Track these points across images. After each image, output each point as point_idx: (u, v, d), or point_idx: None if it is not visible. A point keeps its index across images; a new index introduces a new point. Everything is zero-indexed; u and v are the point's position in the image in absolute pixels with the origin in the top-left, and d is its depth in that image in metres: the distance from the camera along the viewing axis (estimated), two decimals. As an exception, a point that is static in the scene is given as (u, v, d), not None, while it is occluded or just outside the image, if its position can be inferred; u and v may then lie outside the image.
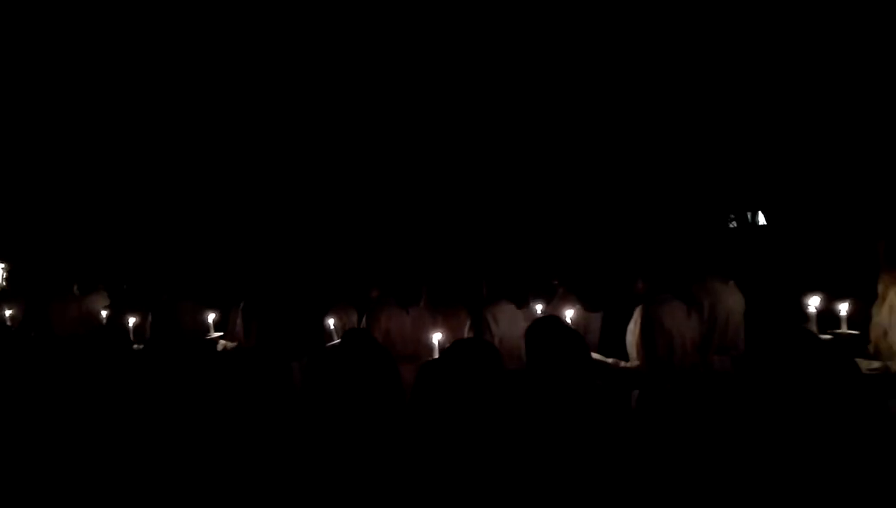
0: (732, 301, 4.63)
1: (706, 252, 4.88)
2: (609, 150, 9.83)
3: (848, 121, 8.57)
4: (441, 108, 9.96)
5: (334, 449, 2.28)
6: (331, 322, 4.85)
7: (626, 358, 4.40)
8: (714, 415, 2.12)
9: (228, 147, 10.35)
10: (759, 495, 1.83)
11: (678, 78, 9.47)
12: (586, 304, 5.28)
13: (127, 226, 9.99)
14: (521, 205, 9.82)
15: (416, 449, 2.16)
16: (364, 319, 5.13)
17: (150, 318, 5.45)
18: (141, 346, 4.86)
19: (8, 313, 5.83)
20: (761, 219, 10.30)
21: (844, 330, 3.46)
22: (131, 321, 5.06)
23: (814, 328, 3.39)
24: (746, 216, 10.38)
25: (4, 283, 7.24)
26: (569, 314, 4.62)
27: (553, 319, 2.95)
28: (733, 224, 10.48)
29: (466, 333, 4.63)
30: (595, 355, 3.98)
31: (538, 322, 2.92)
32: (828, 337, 3.38)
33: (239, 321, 4.98)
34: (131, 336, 4.76)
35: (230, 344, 4.87)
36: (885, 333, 3.34)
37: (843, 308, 3.46)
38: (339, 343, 2.80)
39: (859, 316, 3.51)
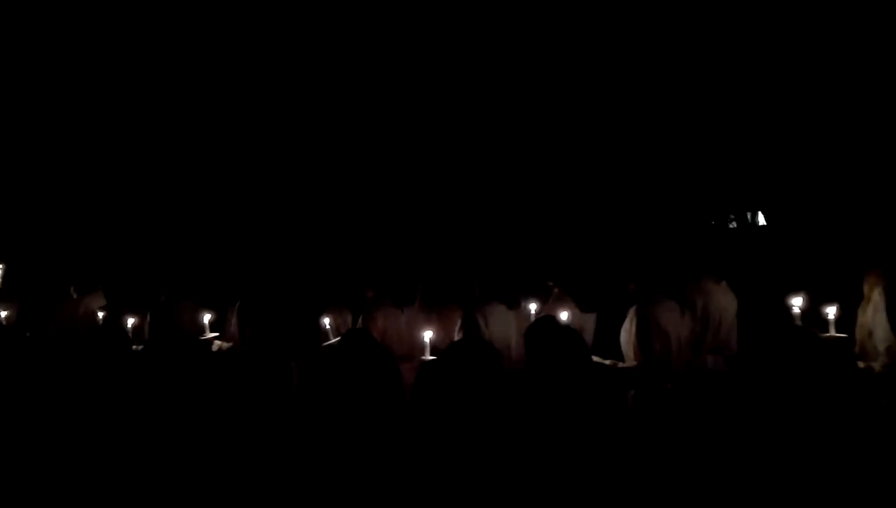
0: (725, 301, 4.72)
1: (699, 252, 4.97)
2: (605, 151, 9.89)
3: (848, 121, 8.65)
4: (435, 110, 10.00)
5: (335, 448, 2.35)
6: (326, 321, 4.94)
7: (621, 359, 4.48)
8: (714, 415, 2.22)
9: (224, 149, 10.41)
10: (759, 494, 1.88)
11: (675, 78, 9.53)
12: (581, 305, 5.36)
13: (124, 226, 10.05)
14: (515, 206, 9.88)
15: (416, 448, 2.22)
16: (360, 319, 5.22)
17: (148, 319, 5.54)
18: (140, 347, 4.98)
19: (3, 314, 5.90)
20: (761, 220, 10.37)
21: (832, 333, 3.52)
22: (130, 322, 5.14)
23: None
24: (746, 216, 10.45)
25: (0, 283, 7.29)
26: (563, 315, 4.70)
27: (553, 320, 2.98)
28: (733, 224, 10.56)
29: (457, 333, 4.72)
30: (594, 357, 4.05)
31: (538, 322, 2.95)
32: None
33: (234, 321, 5.07)
34: (130, 336, 4.84)
35: (225, 345, 4.96)
36: (871, 334, 3.43)
37: (832, 311, 3.52)
38: (340, 342, 2.85)
39: (847, 319, 3.60)
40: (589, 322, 5.36)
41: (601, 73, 9.66)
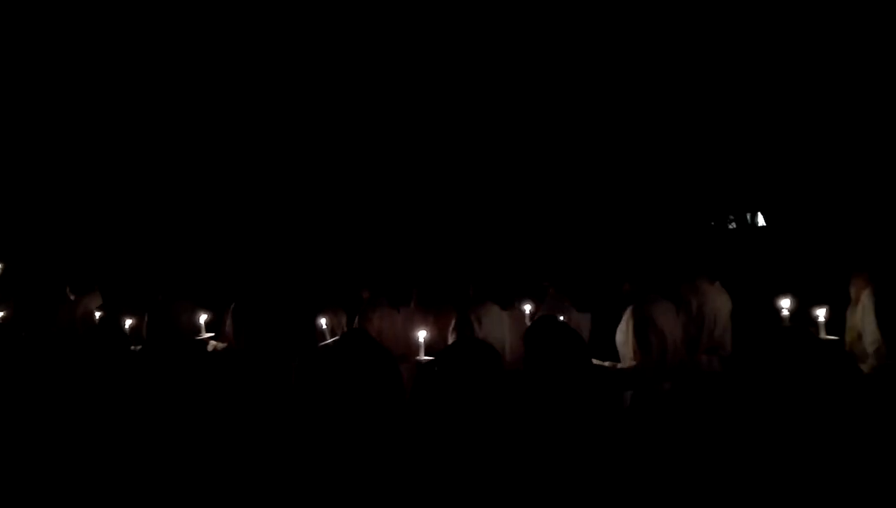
0: (719, 301, 4.77)
1: (694, 252, 5.02)
2: (602, 151, 9.93)
3: (847, 122, 8.69)
4: (430, 112, 10.04)
5: (336, 448, 2.38)
6: (323, 322, 4.98)
7: (617, 360, 4.53)
8: (712, 416, 2.21)
9: (221, 151, 10.45)
10: (759, 494, 1.90)
11: (671, 79, 9.58)
12: (576, 305, 5.41)
13: (121, 227, 10.10)
14: (511, 206, 9.92)
15: (416, 448, 2.25)
16: (356, 320, 5.27)
17: (146, 319, 5.58)
18: (139, 348, 5.04)
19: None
20: (760, 221, 10.42)
21: (822, 335, 3.55)
22: (128, 322, 5.19)
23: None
24: (746, 217, 10.50)
25: None
26: (559, 316, 4.74)
27: (556, 320, 2.97)
28: (733, 225, 10.61)
29: (451, 333, 4.75)
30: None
31: (540, 322, 2.94)
32: None
33: (229, 322, 5.12)
34: (129, 337, 4.89)
35: (220, 345, 5.00)
36: (860, 336, 3.49)
37: (822, 313, 3.57)
38: (340, 342, 2.87)
39: (838, 321, 3.65)
40: (584, 322, 5.40)
41: (598, 73, 9.70)
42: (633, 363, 4.34)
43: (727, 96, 9.48)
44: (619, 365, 4.43)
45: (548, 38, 9.59)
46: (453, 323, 4.82)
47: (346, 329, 5.39)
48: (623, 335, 4.44)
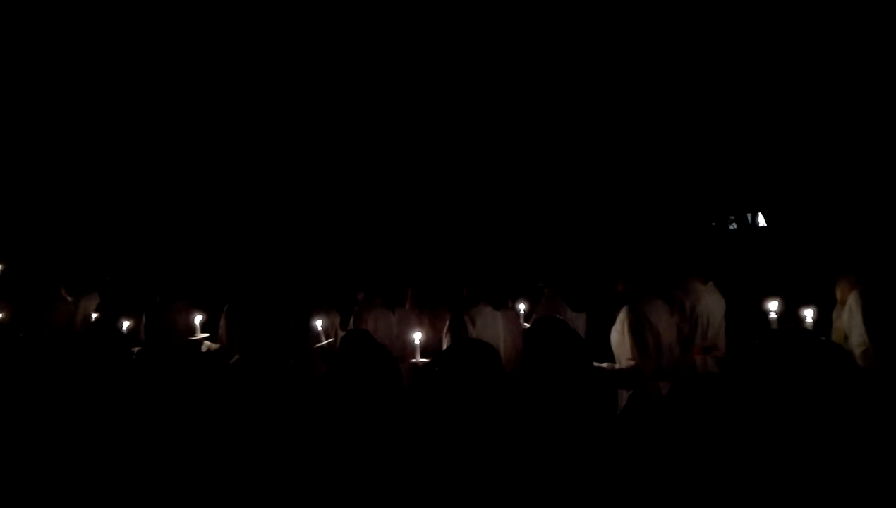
0: (713, 301, 4.82)
1: (690, 253, 5.06)
2: (596, 152, 9.97)
3: (847, 122, 8.73)
4: (425, 112, 10.07)
5: (337, 449, 2.42)
6: (318, 323, 5.05)
7: (612, 360, 4.58)
8: (709, 416, 2.17)
9: (216, 153, 10.52)
10: (760, 495, 1.89)
11: (666, 79, 9.62)
12: (571, 305, 5.47)
13: (118, 228, 10.17)
14: (505, 207, 9.96)
15: (417, 449, 2.27)
16: (351, 321, 5.33)
17: (143, 321, 5.65)
18: (137, 349, 5.12)
19: (-2, 315, 6.03)
20: (761, 221, 10.46)
21: None
22: (125, 324, 5.26)
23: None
24: (747, 217, 10.54)
25: None
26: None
27: (558, 320, 2.97)
28: (733, 225, 10.66)
29: (445, 334, 4.79)
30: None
31: (540, 323, 2.94)
32: None
33: (223, 323, 5.19)
34: (127, 339, 4.97)
35: (214, 346, 5.07)
36: (846, 338, 3.55)
37: (809, 314, 3.63)
38: (342, 343, 2.92)
39: (825, 322, 3.71)
40: (579, 322, 5.46)
41: (596, 73, 9.74)
42: (630, 363, 4.38)
43: (727, 96, 9.52)
44: (616, 366, 4.47)
45: (543, 38, 9.63)
46: (447, 324, 4.85)
47: (339, 330, 5.46)
48: (618, 335, 4.48)
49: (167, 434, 2.88)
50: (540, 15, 9.53)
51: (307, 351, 5.10)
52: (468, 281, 5.01)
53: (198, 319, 5.01)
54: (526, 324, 5.08)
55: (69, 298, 6.51)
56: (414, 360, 4.36)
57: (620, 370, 4.40)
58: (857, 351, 3.52)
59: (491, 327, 4.84)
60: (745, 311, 4.94)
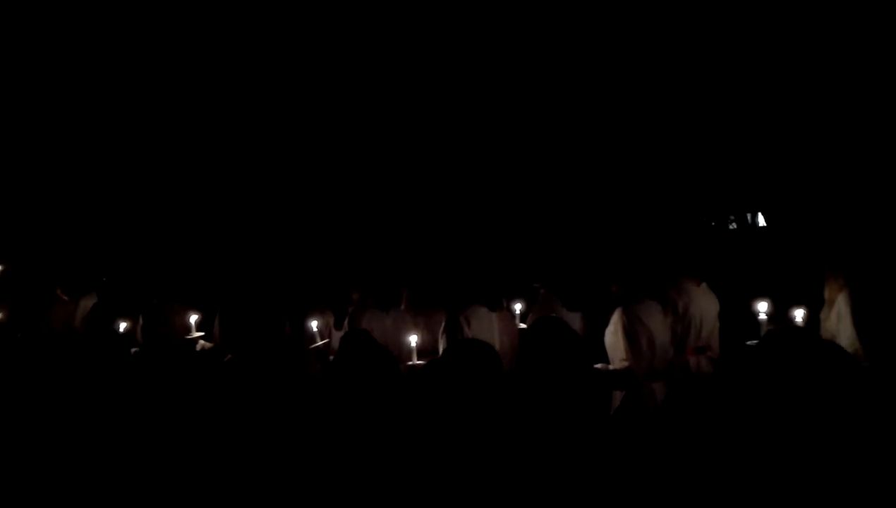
0: (706, 302, 4.87)
1: (680, 254, 5.10)
2: (592, 152, 9.99)
3: (848, 122, 8.75)
4: (420, 113, 10.09)
5: (338, 449, 2.43)
6: (314, 324, 5.10)
7: (607, 361, 4.62)
8: (703, 416, 2.16)
9: (211, 154, 10.56)
10: (758, 495, 1.90)
11: (663, 80, 9.64)
12: (567, 305, 5.50)
13: (114, 228, 10.22)
14: (501, 207, 9.97)
15: (418, 448, 2.28)
16: (345, 322, 5.36)
17: (140, 322, 5.69)
18: (135, 350, 5.17)
19: (-2, 315, 6.08)
20: (761, 221, 10.48)
21: None
22: (122, 326, 5.31)
23: (763, 333, 3.59)
24: (746, 217, 10.56)
25: None
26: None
27: (557, 321, 2.96)
28: (733, 225, 10.68)
29: (441, 336, 4.82)
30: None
31: (540, 323, 2.93)
32: None
33: (217, 322, 5.22)
34: (126, 340, 5.01)
35: (208, 345, 5.12)
36: (832, 338, 3.57)
37: (800, 314, 3.68)
38: (342, 344, 2.94)
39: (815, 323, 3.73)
40: (575, 322, 5.49)
41: (593, 73, 9.76)
42: (624, 364, 4.42)
43: (727, 97, 9.54)
44: (610, 367, 4.51)
45: (539, 37, 9.64)
46: (443, 325, 4.89)
47: (334, 330, 5.50)
48: (612, 337, 4.52)
49: (165, 434, 2.92)
50: (538, 14, 9.55)
51: (302, 352, 5.14)
52: (463, 282, 5.05)
53: (193, 318, 5.07)
54: (522, 325, 5.13)
55: (65, 298, 6.53)
56: (411, 363, 4.38)
57: (614, 371, 4.44)
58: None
59: (486, 328, 4.87)
60: (740, 311, 4.99)
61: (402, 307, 5.40)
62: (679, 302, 4.79)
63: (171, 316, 5.60)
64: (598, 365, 4.47)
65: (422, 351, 4.60)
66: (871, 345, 3.36)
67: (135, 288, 6.28)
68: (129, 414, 3.05)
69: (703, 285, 4.94)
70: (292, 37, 9.87)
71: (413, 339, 4.46)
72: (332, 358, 5.11)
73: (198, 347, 5.02)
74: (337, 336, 5.37)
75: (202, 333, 5.11)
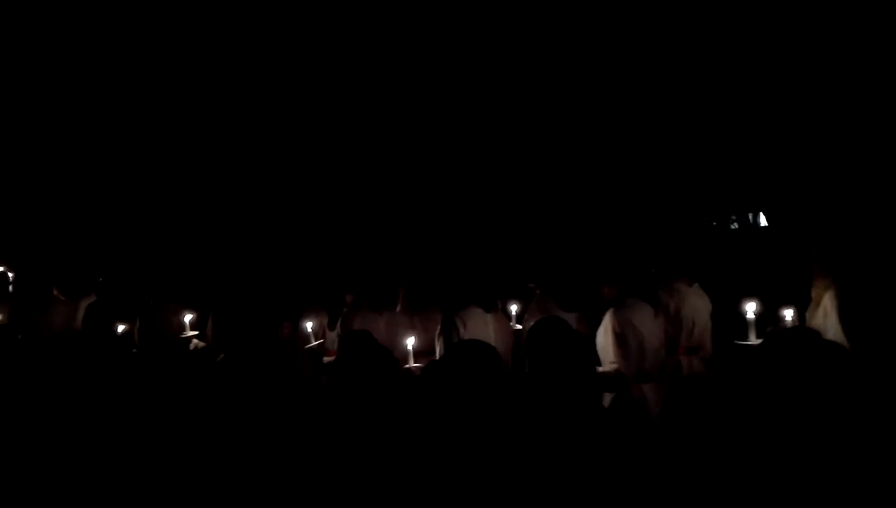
0: (698, 303, 4.91)
1: (673, 255, 5.13)
2: (590, 153, 10.00)
3: (848, 122, 8.75)
4: (416, 114, 10.12)
5: (339, 449, 2.43)
6: (308, 324, 5.14)
7: (598, 362, 4.66)
8: (698, 416, 2.16)
9: (208, 154, 10.62)
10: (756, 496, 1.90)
11: (667, 81, 9.65)
12: (562, 305, 5.52)
13: (111, 229, 10.28)
14: (497, 208, 9.99)
15: (419, 449, 2.28)
16: (338, 323, 5.38)
17: (137, 324, 5.73)
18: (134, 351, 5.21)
19: (-1, 317, 6.13)
20: (762, 221, 10.48)
21: None
22: (120, 328, 5.35)
23: (753, 334, 3.63)
24: (748, 217, 10.56)
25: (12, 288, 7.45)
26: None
27: (561, 321, 2.98)
28: (735, 225, 10.69)
29: (437, 337, 4.85)
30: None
31: (542, 324, 2.94)
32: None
33: (210, 322, 5.27)
34: (124, 342, 5.07)
35: (201, 344, 5.17)
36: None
37: (789, 314, 3.70)
38: (342, 345, 2.98)
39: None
40: (570, 322, 5.48)
41: (593, 73, 9.77)
42: (613, 366, 4.50)
43: (727, 97, 9.55)
44: (600, 369, 4.55)
45: (538, 37, 9.66)
46: (439, 327, 4.91)
47: (328, 330, 5.54)
48: (602, 338, 4.60)
49: (163, 434, 2.94)
50: (538, 14, 9.58)
51: (296, 352, 5.19)
52: (458, 283, 5.08)
53: (188, 318, 5.12)
54: (518, 326, 5.17)
55: (62, 298, 6.57)
56: (408, 366, 4.40)
57: (604, 373, 4.50)
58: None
59: (482, 330, 4.89)
60: (733, 311, 5.01)
61: (399, 307, 5.41)
62: (671, 303, 4.84)
63: (168, 317, 5.64)
64: None
65: (417, 352, 4.62)
66: (856, 341, 3.39)
67: (131, 288, 6.31)
68: (129, 414, 3.09)
69: (696, 286, 4.98)
70: (284, 35, 9.90)
71: (410, 342, 4.48)
72: (325, 358, 5.20)
73: (191, 346, 5.07)
74: (331, 336, 5.41)
75: (196, 332, 5.16)
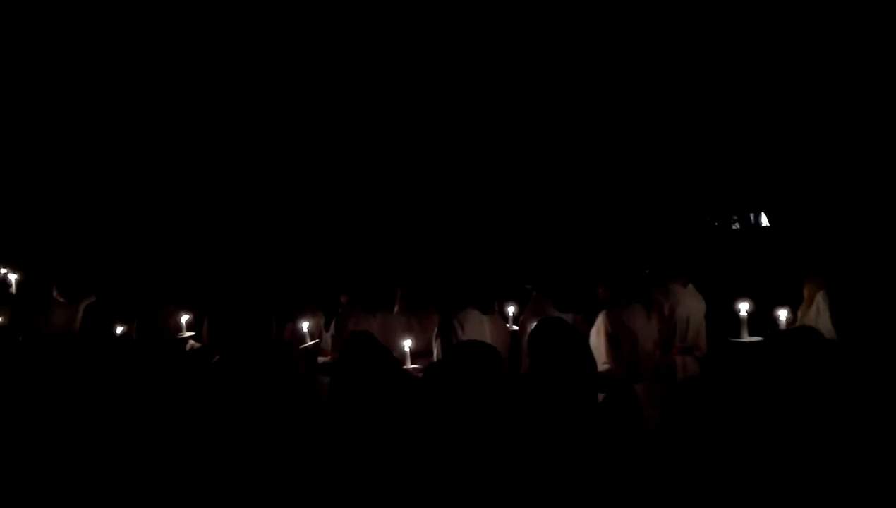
0: (692, 303, 4.94)
1: (668, 256, 5.15)
2: (590, 154, 10.00)
3: (848, 122, 8.74)
4: (414, 115, 10.15)
5: (339, 449, 2.46)
6: (304, 325, 5.16)
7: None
8: (694, 416, 2.17)
9: (205, 155, 10.65)
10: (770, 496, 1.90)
11: (667, 81, 9.65)
12: (559, 306, 5.53)
13: (109, 230, 10.31)
14: (494, 210, 9.99)
15: (420, 449, 2.29)
16: (332, 324, 5.37)
17: (136, 325, 5.76)
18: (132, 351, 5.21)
19: (-1, 318, 6.17)
20: (764, 221, 10.47)
21: None
22: (119, 329, 5.38)
23: (745, 331, 3.64)
24: (749, 217, 10.55)
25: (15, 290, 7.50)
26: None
27: (560, 322, 2.96)
28: (736, 225, 10.68)
29: (434, 339, 4.83)
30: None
31: (543, 323, 2.92)
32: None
33: (206, 323, 5.28)
34: (122, 343, 5.09)
35: (197, 345, 5.19)
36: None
37: (783, 314, 3.71)
38: (344, 345, 2.96)
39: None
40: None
41: (593, 73, 9.78)
42: (605, 367, 4.48)
43: (728, 98, 9.55)
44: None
45: (539, 37, 9.68)
46: (436, 329, 4.88)
47: (324, 331, 5.55)
48: (595, 339, 4.57)
49: (162, 434, 2.97)
50: (538, 14, 9.59)
51: (292, 352, 5.21)
52: (455, 285, 5.08)
53: (184, 318, 5.14)
54: (514, 327, 5.18)
55: (62, 300, 6.61)
56: (406, 367, 4.40)
57: (599, 373, 4.50)
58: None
59: (479, 331, 4.89)
60: (729, 311, 5.02)
61: (396, 308, 5.42)
62: (665, 303, 4.86)
63: (167, 318, 5.67)
64: None
65: (414, 353, 4.64)
66: (848, 340, 3.41)
67: (130, 289, 6.34)
68: (128, 414, 3.11)
69: (690, 286, 4.99)
70: (279, 36, 9.93)
71: (407, 344, 4.49)
72: (320, 359, 5.22)
73: (187, 347, 5.10)
74: (326, 337, 5.43)
75: (192, 333, 5.19)
